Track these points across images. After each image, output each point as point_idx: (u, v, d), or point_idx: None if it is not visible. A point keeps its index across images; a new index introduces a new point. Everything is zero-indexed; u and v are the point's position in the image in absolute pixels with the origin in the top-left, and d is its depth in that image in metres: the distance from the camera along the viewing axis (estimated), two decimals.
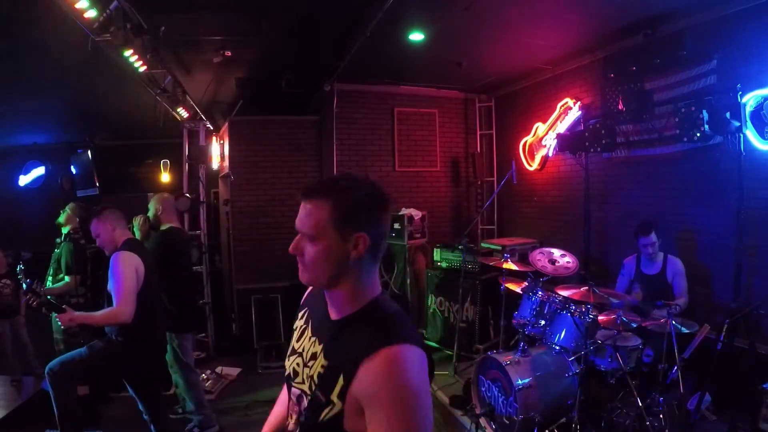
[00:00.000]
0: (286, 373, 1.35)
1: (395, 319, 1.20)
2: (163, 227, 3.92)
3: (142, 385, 3.24)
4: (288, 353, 1.38)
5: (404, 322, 1.21)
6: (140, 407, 3.27)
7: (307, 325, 1.35)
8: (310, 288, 1.42)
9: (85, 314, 3.03)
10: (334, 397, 1.14)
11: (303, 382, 1.26)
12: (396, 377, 1.07)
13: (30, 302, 3.11)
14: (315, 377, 1.21)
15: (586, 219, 5.27)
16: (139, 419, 3.31)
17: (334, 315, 1.25)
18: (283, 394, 1.44)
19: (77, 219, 4.41)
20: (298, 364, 1.30)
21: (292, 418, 1.29)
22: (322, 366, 1.20)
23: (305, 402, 1.23)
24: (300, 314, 1.42)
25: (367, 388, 1.09)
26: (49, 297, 3.15)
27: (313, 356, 1.25)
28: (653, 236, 3.90)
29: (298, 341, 1.35)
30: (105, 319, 3.00)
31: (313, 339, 1.29)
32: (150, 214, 3.95)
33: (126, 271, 2.98)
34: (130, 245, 3.16)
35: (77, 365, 3.03)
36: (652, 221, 4.01)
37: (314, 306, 1.36)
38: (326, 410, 1.15)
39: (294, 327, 1.41)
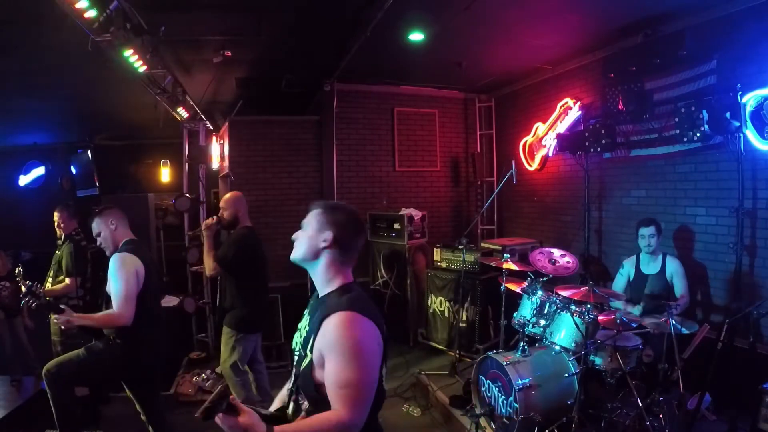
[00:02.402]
0: (291, 348, 1.75)
1: (356, 297, 1.59)
2: (239, 227, 3.78)
3: (140, 386, 3.22)
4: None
5: (363, 301, 1.58)
6: (138, 408, 3.26)
7: (307, 311, 1.76)
8: None
9: (84, 316, 3.00)
10: (308, 350, 1.56)
11: (298, 351, 1.67)
12: (345, 332, 1.46)
13: (30, 304, 3.07)
14: (302, 339, 1.66)
15: (586, 219, 5.27)
16: (139, 419, 3.31)
17: (321, 293, 1.68)
18: None
19: (62, 224, 4.32)
20: (297, 338, 1.72)
21: (291, 379, 1.69)
22: (306, 330, 1.64)
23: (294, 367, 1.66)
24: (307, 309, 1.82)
25: (324, 340, 1.49)
26: (48, 299, 3.13)
27: (304, 327, 1.69)
28: (653, 229, 3.91)
29: (300, 322, 1.76)
30: (104, 322, 2.97)
31: (307, 316, 1.72)
32: (227, 214, 3.77)
33: (126, 274, 2.94)
34: (131, 246, 3.12)
35: (75, 367, 3.01)
36: (654, 218, 4.03)
37: (314, 296, 1.77)
38: (304, 362, 1.58)
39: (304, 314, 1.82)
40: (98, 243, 3.22)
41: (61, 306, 2.99)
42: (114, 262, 2.99)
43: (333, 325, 1.48)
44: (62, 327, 2.97)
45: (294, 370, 1.67)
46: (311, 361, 1.53)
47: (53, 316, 2.94)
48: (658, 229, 3.93)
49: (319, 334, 1.51)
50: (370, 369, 1.47)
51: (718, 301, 3.99)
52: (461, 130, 7.12)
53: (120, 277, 2.93)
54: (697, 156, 4.14)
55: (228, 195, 3.89)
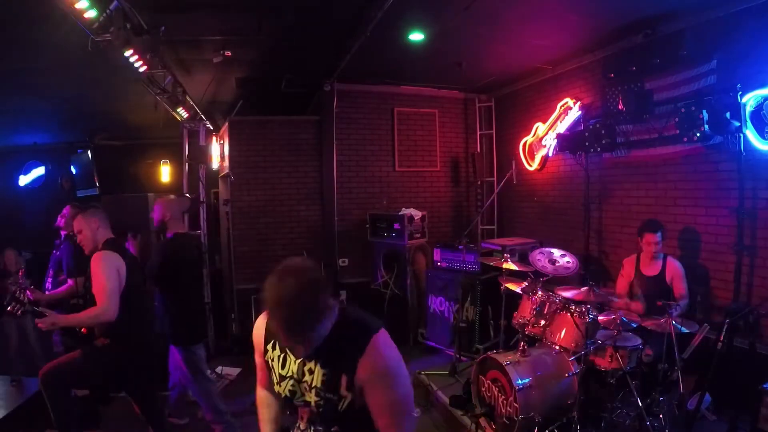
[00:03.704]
0: (284, 396, 1.64)
1: (358, 318, 1.56)
2: (170, 234, 3.61)
3: (137, 387, 3.22)
4: (276, 381, 1.65)
5: (364, 317, 1.58)
6: (137, 408, 3.26)
7: (285, 353, 1.62)
8: (263, 323, 1.73)
9: (69, 316, 2.98)
10: (343, 390, 1.51)
11: (303, 395, 1.59)
12: (382, 361, 1.48)
13: (15, 311, 3.02)
14: (320, 384, 1.54)
15: (586, 219, 5.27)
16: (139, 419, 3.31)
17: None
18: (267, 413, 1.81)
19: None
20: (292, 386, 1.61)
21: (303, 419, 1.63)
22: (324, 374, 1.54)
23: (311, 409, 1.58)
24: (269, 347, 1.68)
25: (366, 375, 1.47)
26: (37, 307, 3.09)
27: (309, 371, 1.57)
28: (659, 235, 3.88)
29: (283, 368, 1.63)
30: (88, 320, 2.94)
31: (299, 361, 1.58)
32: (154, 218, 3.66)
33: (107, 271, 2.92)
34: (111, 245, 3.09)
35: (71, 369, 3.00)
36: (659, 222, 4.00)
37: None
38: (341, 402, 1.52)
39: (269, 358, 1.68)
40: (77, 240, 3.17)
41: (41, 309, 2.94)
42: (95, 261, 2.96)
43: (370, 360, 1.47)
44: (45, 329, 2.91)
45: (314, 415, 1.59)
46: (353, 398, 1.51)
47: (37, 321, 2.91)
48: (663, 233, 3.91)
49: (357, 373, 1.47)
50: (407, 376, 1.56)
51: (718, 301, 3.98)
52: (461, 130, 7.12)
53: (102, 274, 2.91)
54: (697, 156, 4.13)
55: (159, 199, 3.77)
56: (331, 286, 1.63)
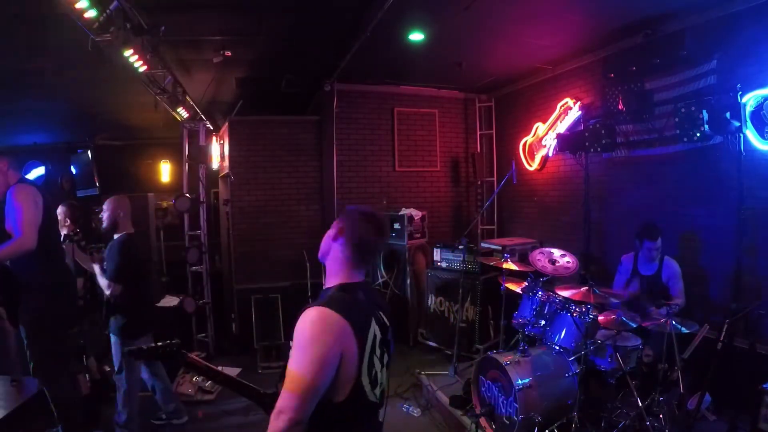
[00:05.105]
0: None
1: (333, 295, 1.61)
2: (120, 233, 3.68)
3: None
4: None
5: (339, 299, 1.58)
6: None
7: None
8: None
9: None
10: None
11: None
12: (296, 328, 1.53)
13: None
14: None
15: (586, 219, 5.27)
16: (138, 419, 3.31)
17: None
18: None
19: (68, 221, 4.29)
20: None
21: None
22: None
23: None
24: None
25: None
26: None
27: None
28: (660, 241, 3.89)
29: None
30: (9, 252, 2.86)
31: None
32: (105, 218, 3.68)
33: (25, 201, 2.87)
34: (27, 181, 3.06)
35: (38, 355, 3.02)
36: (658, 226, 3.99)
37: None
38: None
39: None
40: None
41: None
42: (10, 194, 2.90)
43: (297, 322, 1.55)
44: None
45: None
46: None
47: None
48: (662, 238, 3.91)
49: None
50: (318, 357, 1.47)
51: (718, 301, 3.98)
52: (461, 130, 7.12)
53: (18, 205, 2.84)
54: (697, 156, 4.13)
55: (110, 198, 3.79)
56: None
